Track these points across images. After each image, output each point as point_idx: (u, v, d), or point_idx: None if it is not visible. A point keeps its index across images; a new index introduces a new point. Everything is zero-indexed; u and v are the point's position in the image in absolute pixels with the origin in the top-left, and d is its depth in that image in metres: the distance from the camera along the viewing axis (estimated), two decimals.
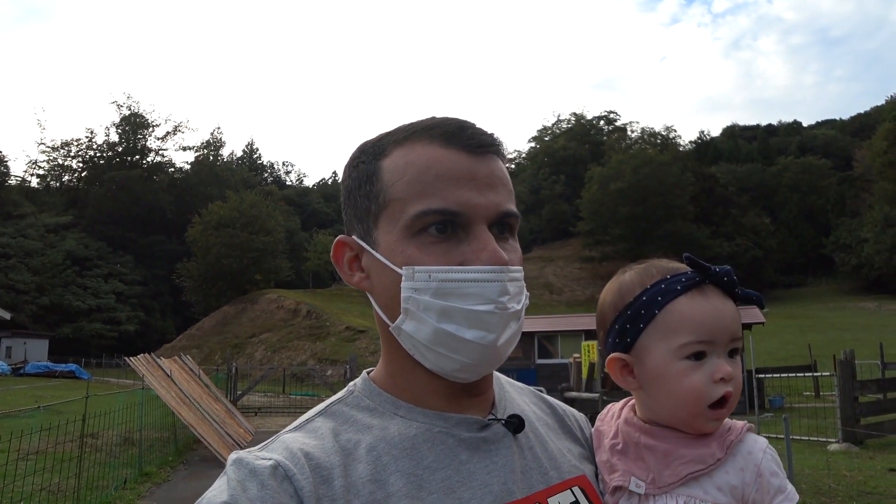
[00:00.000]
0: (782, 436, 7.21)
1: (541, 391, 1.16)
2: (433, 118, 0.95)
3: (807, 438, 11.71)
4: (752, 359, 16.23)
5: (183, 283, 71.45)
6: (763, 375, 18.46)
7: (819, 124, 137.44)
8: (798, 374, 17.76)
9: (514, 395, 1.08)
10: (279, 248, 75.53)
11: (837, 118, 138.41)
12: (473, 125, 0.94)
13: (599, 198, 79.04)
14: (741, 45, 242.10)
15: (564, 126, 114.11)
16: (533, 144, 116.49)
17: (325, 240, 78.38)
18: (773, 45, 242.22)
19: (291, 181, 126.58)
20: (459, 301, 0.86)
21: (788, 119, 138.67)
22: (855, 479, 8.32)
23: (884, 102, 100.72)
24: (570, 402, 6.81)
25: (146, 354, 11.93)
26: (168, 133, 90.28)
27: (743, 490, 0.95)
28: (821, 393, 21.10)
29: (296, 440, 0.86)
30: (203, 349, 51.36)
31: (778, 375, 17.78)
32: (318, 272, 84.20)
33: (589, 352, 13.10)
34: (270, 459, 0.81)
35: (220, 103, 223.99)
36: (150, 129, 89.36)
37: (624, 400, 1.09)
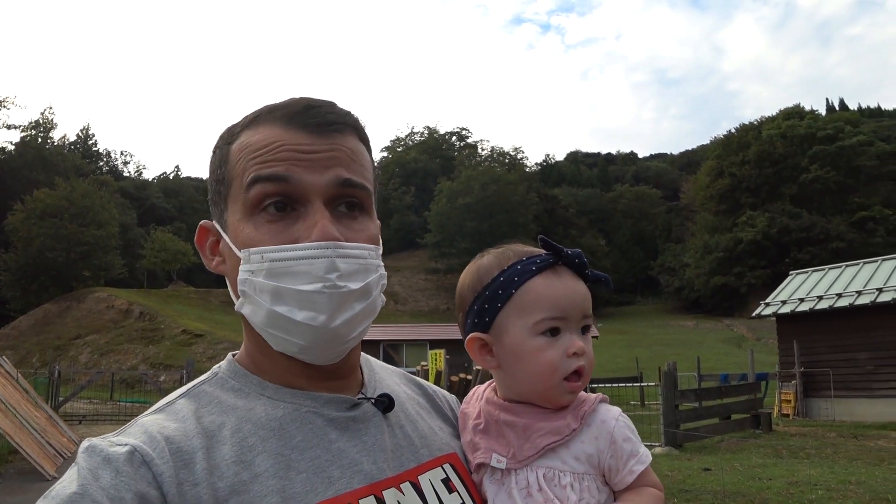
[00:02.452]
0: None
1: (414, 374, 1.15)
2: (289, 99, 0.93)
3: None
4: None
5: None
6: (594, 385, 19.75)
7: (653, 157, 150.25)
8: (626, 385, 19.20)
9: (384, 376, 1.08)
10: (112, 244, 69.94)
11: (669, 152, 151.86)
12: (323, 105, 0.92)
13: (447, 211, 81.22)
14: (589, 77, 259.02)
15: (417, 139, 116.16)
16: (385, 154, 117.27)
17: (162, 237, 73.86)
18: (618, 80, 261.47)
19: (129, 172, 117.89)
20: (290, 281, 0.85)
21: (626, 149, 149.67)
22: (675, 479, 9.10)
23: (708, 142, 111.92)
24: None
25: None
26: None
27: (598, 457, 1.00)
28: (646, 402, 22.95)
29: (155, 423, 0.83)
30: (19, 350, 46.53)
31: (607, 385, 19.09)
32: (153, 271, 79.15)
33: (436, 360, 13.38)
34: (126, 445, 0.78)
35: (54, 81, 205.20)
36: None
37: (487, 382, 1.13)
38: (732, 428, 14.81)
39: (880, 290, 17.66)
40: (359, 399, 0.95)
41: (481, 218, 79.66)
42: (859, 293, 18.11)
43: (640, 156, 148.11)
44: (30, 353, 45.73)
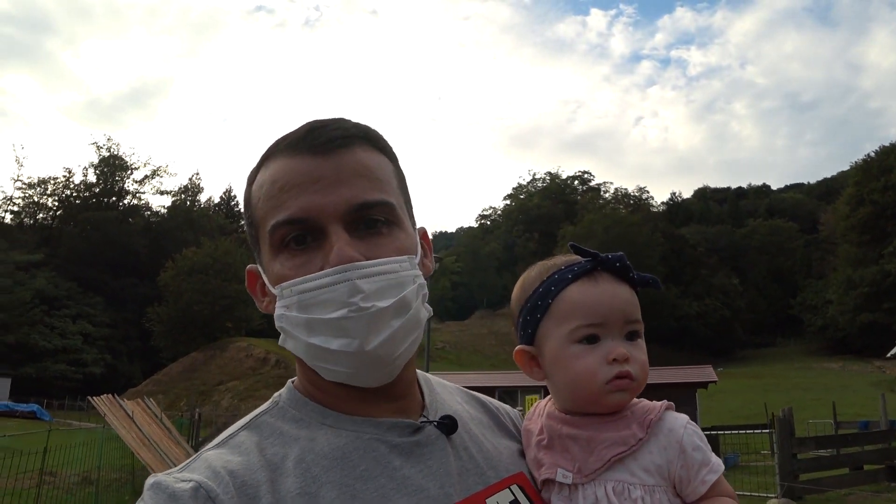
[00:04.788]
0: None
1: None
2: (296, 128, 0.93)
3: (749, 494, 12.11)
4: (698, 417, 16.77)
5: (152, 328, 70.58)
6: (717, 432, 18.97)
7: (787, 188, 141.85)
8: (748, 431, 18.30)
9: (445, 395, 1.07)
10: (251, 297, 75.02)
11: (805, 182, 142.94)
12: (327, 123, 0.91)
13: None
14: (714, 108, 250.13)
15: (539, 185, 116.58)
16: (508, 202, 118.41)
17: None
18: (745, 109, 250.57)
19: None
20: (318, 311, 0.84)
21: (758, 182, 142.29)
22: None
23: (848, 167, 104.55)
24: None
25: (108, 395, 12.14)
26: (146, 177, 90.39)
27: (668, 468, 0.97)
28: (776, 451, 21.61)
29: (219, 458, 0.83)
30: (169, 395, 50.62)
31: (731, 432, 18.29)
32: None
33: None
34: (191, 481, 0.77)
35: (201, 149, 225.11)
36: (129, 172, 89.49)
37: (548, 397, 1.12)
38: (863, 480, 13.72)
39: None
40: (421, 422, 0.93)
41: None
42: None
43: (773, 187, 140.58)
44: (178, 397, 49.59)
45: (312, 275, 0.85)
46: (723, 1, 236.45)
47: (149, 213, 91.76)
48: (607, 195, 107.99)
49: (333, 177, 0.86)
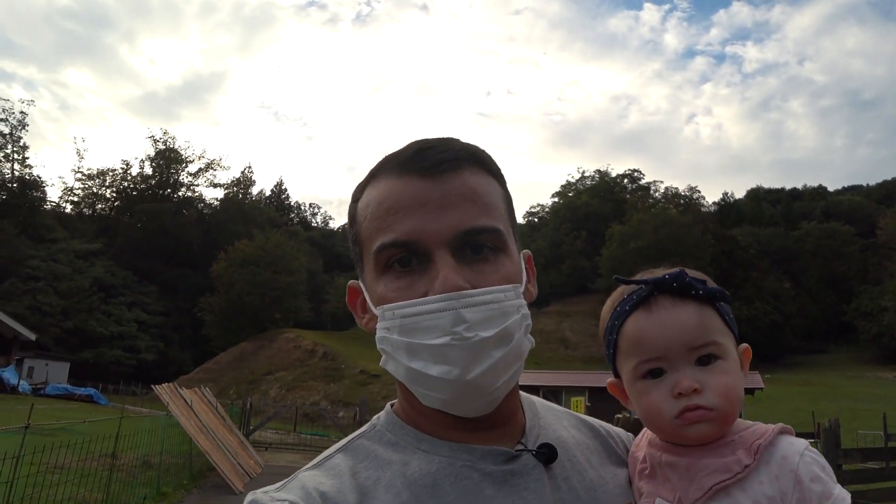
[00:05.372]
0: None
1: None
2: (406, 145, 0.92)
3: None
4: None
5: (204, 317, 72.67)
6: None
7: (845, 189, 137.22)
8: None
9: (551, 420, 1.03)
10: (300, 289, 76.54)
11: (864, 184, 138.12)
12: (436, 144, 0.90)
13: (619, 255, 79.46)
14: (770, 107, 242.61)
15: (588, 183, 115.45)
16: (556, 199, 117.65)
17: (345, 283, 78.12)
18: (802, 108, 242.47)
19: (317, 223, 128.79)
20: (421, 336, 0.83)
21: (814, 183, 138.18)
22: None
23: None
24: None
25: (170, 384, 12.79)
26: (200, 169, 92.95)
27: (781, 500, 0.87)
28: None
29: (312, 479, 0.85)
30: (219, 383, 52.06)
31: None
32: (336, 314, 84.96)
33: (577, 407, 13.68)
34: (285, 501, 0.79)
35: (253, 143, 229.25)
36: (184, 165, 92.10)
37: None
38: None
39: None
40: (517, 451, 0.90)
41: (654, 262, 74.20)
42: None
43: (830, 189, 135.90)
44: (228, 385, 50.93)
45: (417, 300, 0.84)
46: None
47: (202, 205, 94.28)
48: (657, 194, 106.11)
49: (441, 201, 0.85)
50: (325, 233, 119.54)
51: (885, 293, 71.05)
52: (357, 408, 25.30)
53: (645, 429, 1.04)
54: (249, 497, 0.81)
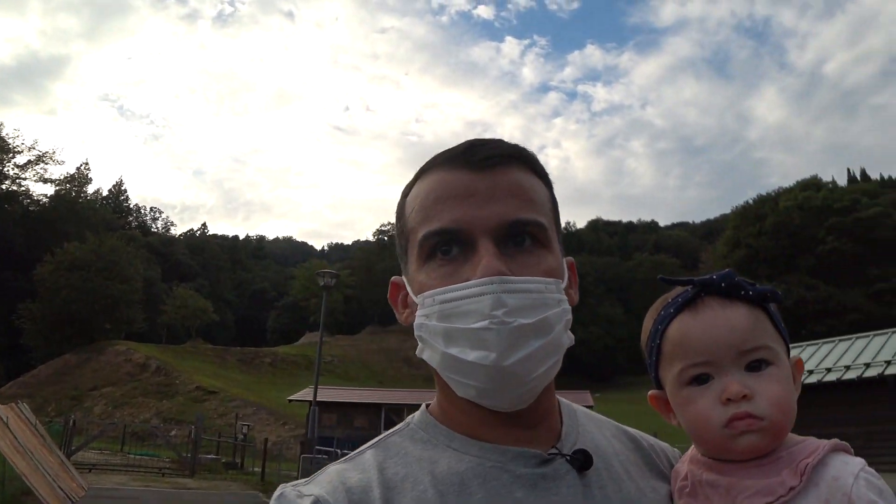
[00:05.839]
0: None
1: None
2: (456, 145, 0.94)
3: None
4: None
5: (23, 325, 65.83)
6: None
7: (674, 225, 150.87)
8: None
9: (591, 427, 1.00)
10: (135, 298, 71.72)
11: (690, 221, 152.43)
12: (487, 142, 0.92)
13: None
14: (613, 144, 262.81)
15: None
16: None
17: (184, 293, 75.43)
18: (642, 148, 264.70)
19: (157, 228, 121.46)
20: (459, 321, 0.83)
21: (647, 218, 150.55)
22: None
23: (729, 211, 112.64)
24: None
25: None
26: (30, 161, 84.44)
27: None
28: None
29: (340, 473, 0.86)
30: (35, 398, 47.43)
31: None
32: (173, 326, 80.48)
33: None
34: (311, 495, 0.81)
35: (93, 138, 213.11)
36: (11, 155, 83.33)
37: None
38: None
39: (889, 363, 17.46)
40: (550, 454, 0.88)
41: None
42: (867, 366, 18.02)
43: (661, 224, 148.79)
44: (46, 401, 46.68)
45: (457, 285, 0.84)
46: (631, 43, 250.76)
47: (28, 201, 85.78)
48: None
49: (488, 193, 0.87)
50: (166, 239, 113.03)
51: None
52: (192, 426, 23.98)
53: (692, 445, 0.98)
54: (279, 491, 0.84)
